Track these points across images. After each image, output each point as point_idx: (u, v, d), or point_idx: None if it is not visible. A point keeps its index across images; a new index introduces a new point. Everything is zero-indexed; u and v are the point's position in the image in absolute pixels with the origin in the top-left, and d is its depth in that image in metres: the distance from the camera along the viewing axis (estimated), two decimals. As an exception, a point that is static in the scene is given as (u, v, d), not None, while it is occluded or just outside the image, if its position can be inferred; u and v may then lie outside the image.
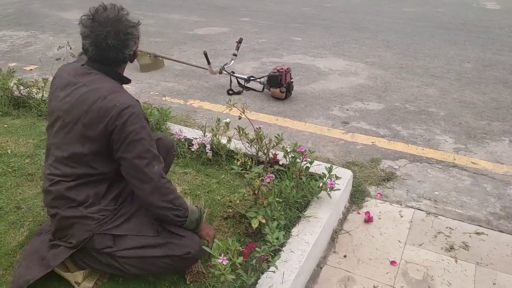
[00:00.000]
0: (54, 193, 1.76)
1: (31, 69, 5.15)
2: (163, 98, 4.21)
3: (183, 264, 1.85)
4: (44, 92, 3.62)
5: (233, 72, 4.57)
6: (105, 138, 1.67)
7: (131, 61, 1.84)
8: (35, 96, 3.65)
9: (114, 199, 1.80)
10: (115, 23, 1.67)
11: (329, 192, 2.31)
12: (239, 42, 4.66)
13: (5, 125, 3.39)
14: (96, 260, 1.82)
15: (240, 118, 2.57)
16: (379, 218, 2.55)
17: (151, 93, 4.45)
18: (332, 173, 2.33)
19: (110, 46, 1.67)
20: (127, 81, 1.84)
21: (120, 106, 1.64)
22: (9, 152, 2.97)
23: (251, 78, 4.49)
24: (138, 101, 1.74)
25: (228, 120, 2.85)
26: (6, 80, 3.64)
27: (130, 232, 1.77)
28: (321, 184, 2.32)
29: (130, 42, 1.72)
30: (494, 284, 2.09)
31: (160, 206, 1.72)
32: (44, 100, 3.57)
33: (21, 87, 3.63)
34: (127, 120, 1.63)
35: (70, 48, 3.51)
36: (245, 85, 4.53)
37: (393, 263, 2.22)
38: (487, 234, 2.43)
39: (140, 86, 4.62)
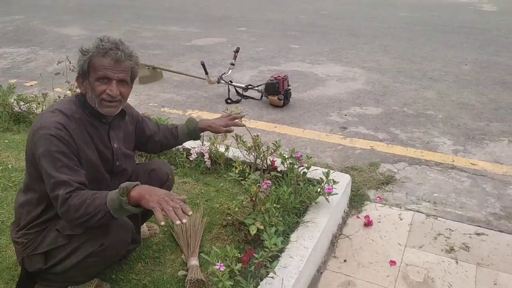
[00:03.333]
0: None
1: (31, 85, 5.20)
2: (162, 109, 4.24)
3: (110, 254, 1.69)
4: (44, 106, 3.65)
5: (231, 81, 4.60)
6: (31, 152, 1.64)
7: (87, 96, 1.70)
8: (35, 111, 3.68)
9: (42, 223, 1.72)
10: None
11: (327, 197, 2.32)
12: (237, 51, 4.70)
13: (6, 141, 3.42)
14: (50, 280, 1.79)
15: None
16: (379, 222, 2.55)
17: (150, 104, 4.48)
18: (329, 178, 2.33)
19: None
20: (98, 114, 1.72)
21: (36, 126, 1.61)
22: (10, 167, 3.00)
23: (249, 87, 4.52)
24: (61, 123, 1.60)
25: (225, 128, 2.86)
26: (6, 96, 3.68)
27: (49, 247, 1.69)
28: (318, 189, 2.32)
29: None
30: (495, 284, 2.09)
31: (77, 224, 1.57)
32: (44, 115, 3.60)
33: (21, 103, 3.67)
34: (36, 141, 1.59)
35: (70, 63, 3.54)
36: (243, 93, 4.56)
37: (392, 262, 2.22)
38: (487, 235, 2.42)
39: (139, 98, 4.66)
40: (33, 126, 1.64)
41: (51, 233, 1.70)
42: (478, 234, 2.43)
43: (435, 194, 2.81)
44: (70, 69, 3.50)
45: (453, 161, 3.22)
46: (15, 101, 3.67)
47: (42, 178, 1.62)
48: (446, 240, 2.39)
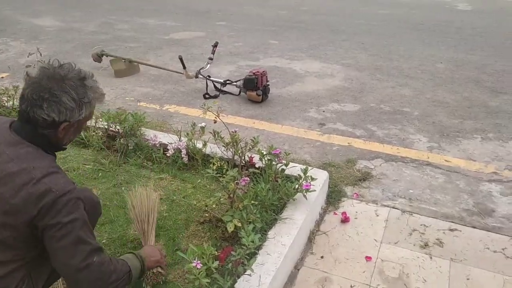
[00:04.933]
0: None
1: (2, 77, 5.03)
2: (138, 104, 4.16)
3: None
4: (15, 100, 3.53)
5: (209, 76, 4.56)
6: (30, 227, 1.39)
7: (63, 141, 1.52)
8: (5, 104, 3.56)
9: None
10: (53, 79, 1.43)
11: (305, 194, 2.32)
12: (215, 46, 4.65)
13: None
14: None
15: (215, 121, 2.56)
16: (356, 218, 2.57)
17: (126, 98, 4.40)
18: (307, 175, 2.33)
19: (36, 100, 1.40)
20: (61, 149, 1.57)
21: (57, 192, 1.37)
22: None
23: (228, 82, 4.49)
24: (74, 183, 1.47)
25: (203, 124, 2.84)
26: (-25, 88, 3.54)
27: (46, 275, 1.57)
28: (296, 186, 2.32)
29: (66, 104, 1.42)
30: (468, 279, 2.13)
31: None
32: (15, 108, 3.49)
33: (-8, 96, 3.54)
34: (62, 209, 1.38)
35: (41, 55, 3.44)
36: (222, 88, 4.52)
37: (367, 258, 2.25)
38: (461, 230, 2.47)
39: (115, 91, 4.56)
40: (44, 190, 1.37)
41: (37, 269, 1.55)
42: (451, 230, 2.48)
43: (411, 191, 2.85)
44: (40, 61, 3.41)
45: (428, 158, 3.27)
46: (-15, 94, 3.54)
47: (22, 242, 1.43)
48: (420, 236, 2.43)
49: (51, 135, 1.47)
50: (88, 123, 3.13)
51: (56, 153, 1.55)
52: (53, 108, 1.41)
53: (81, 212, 1.44)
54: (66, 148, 1.60)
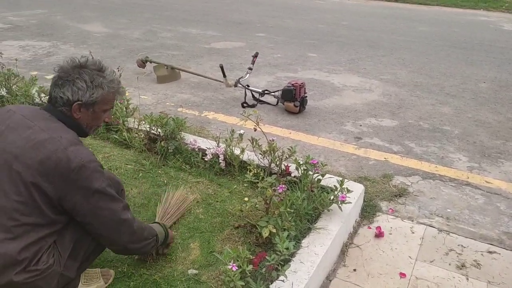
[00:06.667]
0: None
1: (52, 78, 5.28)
2: (179, 109, 4.28)
3: None
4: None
5: (248, 86, 4.63)
6: (60, 191, 1.56)
7: (82, 123, 1.72)
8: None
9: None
10: (74, 66, 1.69)
11: (340, 205, 2.32)
12: (255, 56, 4.73)
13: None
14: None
15: (255, 130, 2.61)
16: (390, 234, 2.55)
17: (167, 103, 4.53)
18: (343, 186, 2.34)
19: (56, 81, 1.67)
20: (84, 135, 1.77)
21: (82, 159, 1.56)
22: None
23: (266, 92, 4.55)
24: (93, 154, 1.68)
25: (242, 131, 2.89)
26: (28, 87, 3.75)
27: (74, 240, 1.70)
28: (332, 197, 2.33)
29: (78, 83, 1.65)
30: (506, 303, 2.07)
31: (139, 247, 1.81)
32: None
33: (42, 95, 3.73)
34: (90, 174, 1.58)
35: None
36: (260, 98, 4.59)
37: (401, 274, 2.22)
38: (500, 253, 2.41)
39: (157, 96, 4.71)
40: (68, 163, 1.54)
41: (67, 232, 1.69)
42: (490, 252, 2.41)
43: (448, 210, 2.80)
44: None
45: (468, 177, 3.20)
46: (37, 93, 3.74)
47: (49, 207, 1.57)
48: (457, 256, 2.37)
49: (68, 113, 1.68)
50: (131, 125, 3.28)
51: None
52: (67, 88, 1.65)
53: (105, 176, 1.66)
54: (88, 134, 1.80)
